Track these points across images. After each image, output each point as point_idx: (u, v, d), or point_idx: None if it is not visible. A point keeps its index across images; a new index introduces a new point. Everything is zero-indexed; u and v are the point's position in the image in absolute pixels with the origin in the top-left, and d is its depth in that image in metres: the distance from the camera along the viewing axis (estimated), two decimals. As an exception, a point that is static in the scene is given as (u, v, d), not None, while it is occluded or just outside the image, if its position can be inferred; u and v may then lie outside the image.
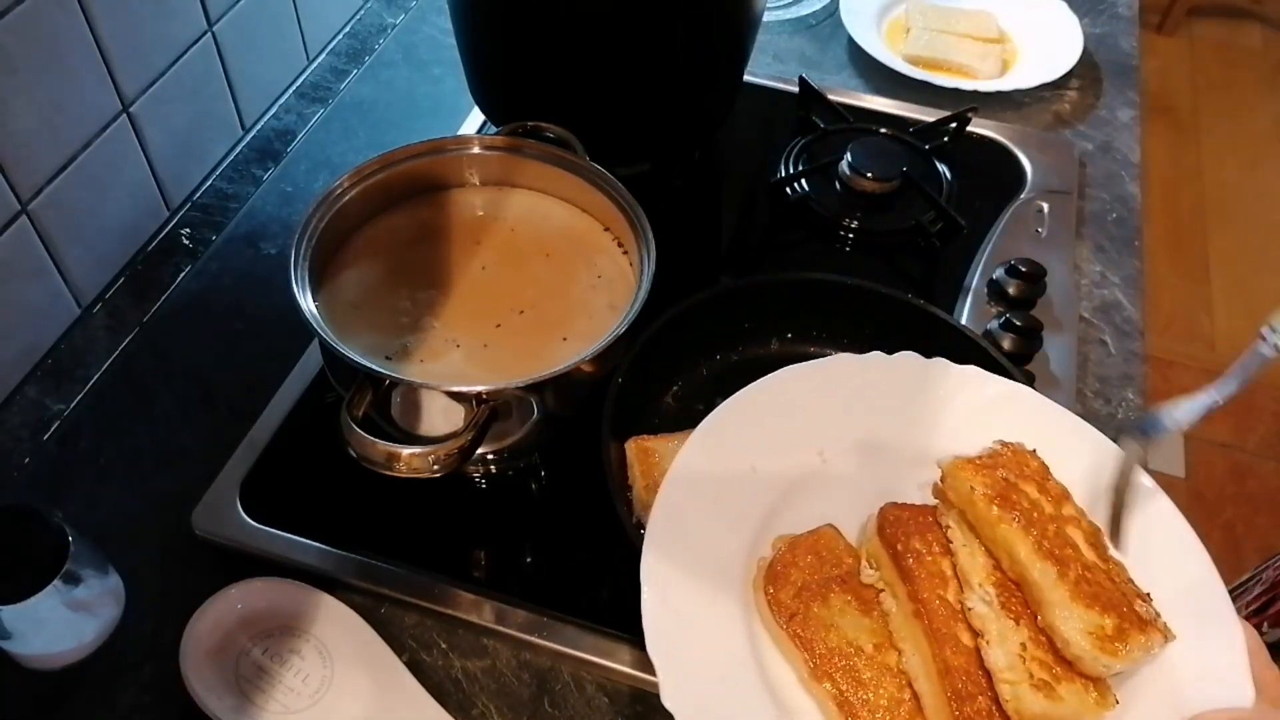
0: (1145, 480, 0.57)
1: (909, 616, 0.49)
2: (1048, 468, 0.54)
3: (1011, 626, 0.47)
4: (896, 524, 0.51)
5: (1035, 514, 0.50)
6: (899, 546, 0.50)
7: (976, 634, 0.47)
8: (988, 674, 0.47)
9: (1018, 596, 0.48)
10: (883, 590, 0.51)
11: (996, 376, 0.61)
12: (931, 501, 0.54)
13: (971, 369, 0.61)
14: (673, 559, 0.51)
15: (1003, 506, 0.49)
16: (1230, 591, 0.88)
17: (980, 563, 0.49)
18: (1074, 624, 0.46)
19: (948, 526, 0.51)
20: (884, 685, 0.48)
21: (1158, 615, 0.48)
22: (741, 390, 0.58)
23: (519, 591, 0.68)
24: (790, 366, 0.60)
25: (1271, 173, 2.51)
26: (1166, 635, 0.48)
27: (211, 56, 0.90)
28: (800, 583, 0.51)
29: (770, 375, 0.59)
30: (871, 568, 0.51)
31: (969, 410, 0.59)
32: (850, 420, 0.59)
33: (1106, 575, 0.49)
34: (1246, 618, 0.81)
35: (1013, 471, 0.52)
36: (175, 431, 0.76)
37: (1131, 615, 0.47)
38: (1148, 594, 0.50)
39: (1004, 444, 0.55)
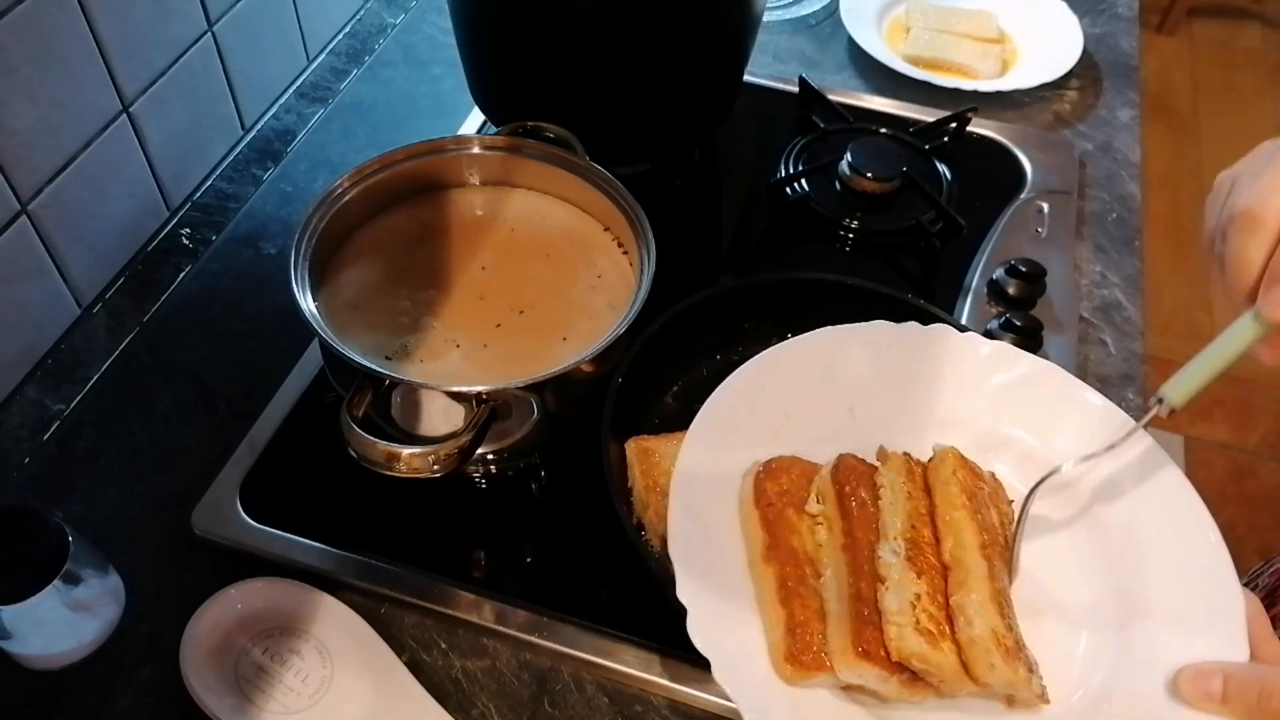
0: (1152, 443, 0.59)
1: (838, 548, 0.53)
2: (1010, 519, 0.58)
3: (912, 578, 0.50)
4: (849, 471, 0.55)
5: (989, 524, 0.54)
6: (846, 489, 0.54)
7: (881, 579, 0.51)
8: None
9: (927, 558, 0.51)
10: (821, 524, 0.55)
11: (1025, 354, 0.64)
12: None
13: (1004, 346, 0.65)
14: (701, 483, 0.56)
15: (970, 499, 0.54)
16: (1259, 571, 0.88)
17: (900, 521, 0.53)
18: (984, 616, 0.49)
19: (881, 485, 0.55)
20: (816, 592, 0.53)
21: (1041, 685, 0.50)
22: (784, 342, 0.63)
23: (519, 591, 0.68)
24: (829, 328, 0.64)
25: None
26: (1042, 698, 0.50)
27: (211, 56, 0.90)
28: (787, 487, 0.56)
29: (810, 333, 0.64)
30: (818, 501, 0.55)
31: (997, 385, 0.63)
32: (882, 382, 0.63)
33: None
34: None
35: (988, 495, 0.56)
36: (175, 431, 0.76)
37: (1024, 656, 0.50)
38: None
39: (993, 476, 0.59)
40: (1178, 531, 0.56)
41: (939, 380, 0.63)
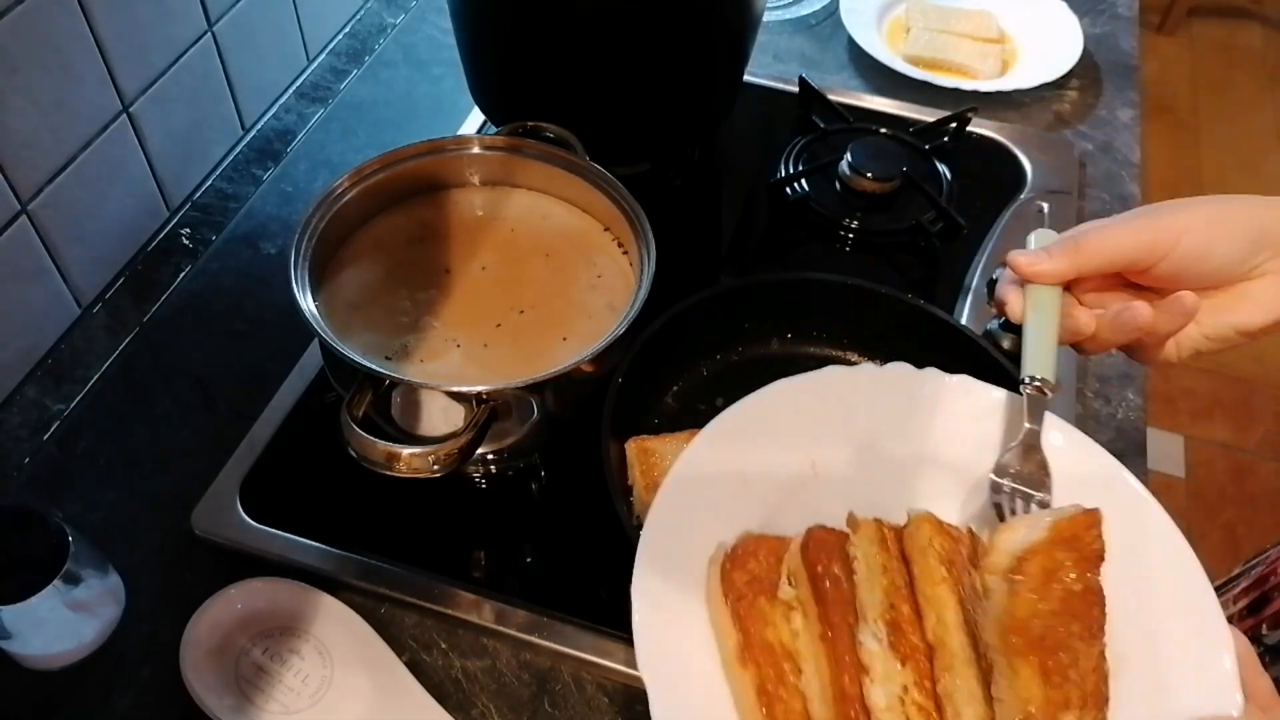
0: (1136, 486, 0.57)
1: (815, 638, 0.49)
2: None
3: (897, 668, 0.47)
4: (820, 546, 0.50)
5: (971, 591, 0.49)
6: (819, 568, 0.50)
7: (864, 669, 0.47)
8: None
9: (909, 639, 0.48)
10: (795, 609, 0.51)
11: (989, 385, 0.60)
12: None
13: (962, 378, 0.61)
14: (663, 569, 0.52)
15: (949, 568, 0.49)
16: (1220, 587, 0.88)
17: (878, 598, 0.49)
18: (973, 705, 0.46)
19: (854, 558, 0.50)
20: (798, 692, 0.49)
21: None
22: (735, 404, 0.58)
23: (519, 591, 0.68)
24: (782, 380, 0.60)
25: (1271, 173, 2.51)
26: None
27: (211, 56, 0.90)
28: (756, 573, 0.51)
29: (762, 389, 0.59)
30: (790, 585, 0.51)
31: (960, 420, 0.59)
32: (842, 431, 0.59)
33: None
34: (1239, 614, 0.81)
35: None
36: (175, 431, 0.76)
37: None
38: None
39: (970, 533, 0.53)
40: (1162, 576, 0.53)
41: (901, 422, 0.59)
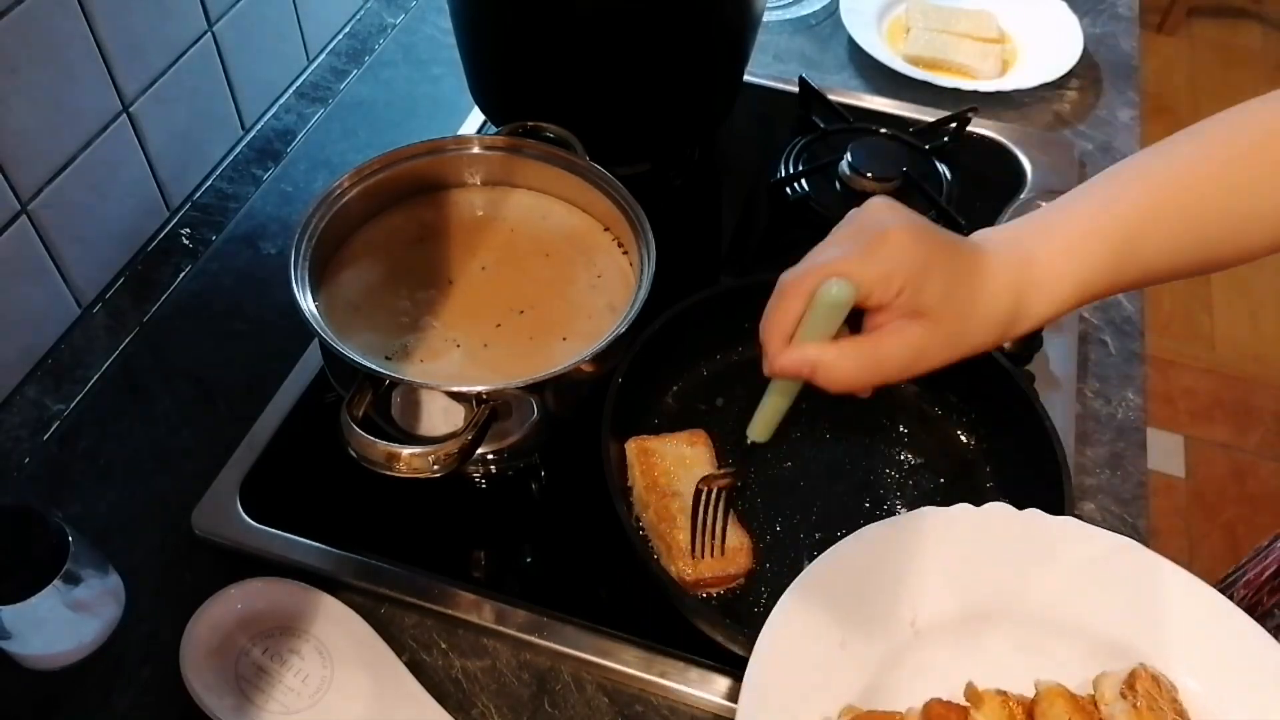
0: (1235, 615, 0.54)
1: None
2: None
3: None
4: None
5: None
6: None
7: None
8: None
9: None
10: None
11: (1098, 529, 0.57)
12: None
13: (1070, 521, 0.57)
14: None
15: None
16: (1229, 577, 0.87)
17: None
18: None
19: None
20: None
21: None
22: (824, 553, 0.55)
23: (519, 591, 0.68)
24: (872, 525, 0.56)
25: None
26: None
27: (211, 56, 0.90)
28: None
29: (852, 535, 0.56)
30: None
31: (1071, 569, 0.55)
32: (943, 583, 0.55)
33: None
34: (1259, 589, 0.80)
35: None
36: (175, 431, 0.76)
37: None
38: None
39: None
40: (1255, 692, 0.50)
41: (1004, 570, 0.55)
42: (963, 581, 0.55)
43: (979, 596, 0.55)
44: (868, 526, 0.56)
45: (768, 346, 0.52)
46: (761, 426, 0.57)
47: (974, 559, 0.55)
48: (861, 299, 0.49)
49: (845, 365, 0.50)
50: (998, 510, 0.57)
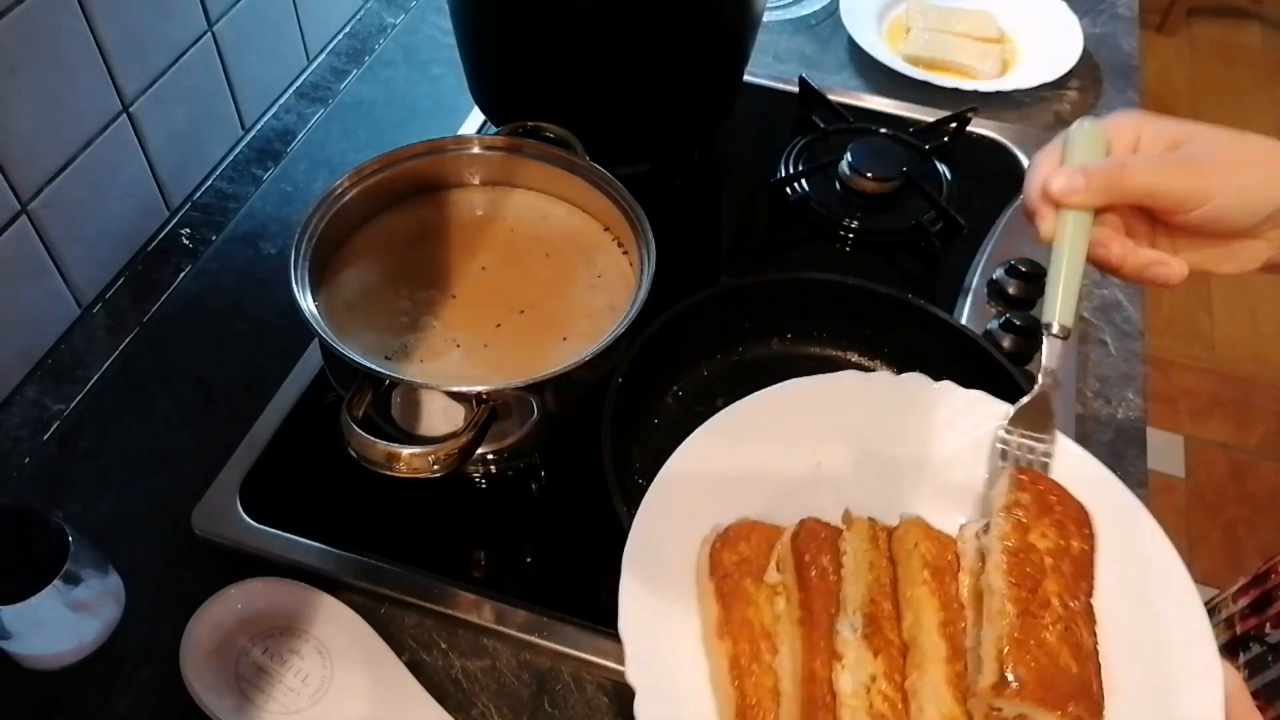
0: (1146, 520, 0.55)
1: (794, 622, 0.50)
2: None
3: (869, 658, 0.47)
4: (812, 537, 0.51)
5: (953, 600, 0.50)
6: (807, 557, 0.50)
7: (836, 656, 0.48)
8: None
9: (885, 634, 0.48)
10: (779, 594, 0.52)
11: (1000, 402, 0.59)
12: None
13: (978, 394, 0.60)
14: (654, 550, 0.53)
15: (933, 574, 0.50)
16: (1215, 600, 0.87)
17: (860, 592, 0.49)
18: (936, 703, 0.46)
19: (844, 553, 0.51)
20: (771, 670, 0.50)
21: None
22: (744, 400, 0.59)
23: (519, 591, 0.68)
24: (796, 379, 0.60)
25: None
26: None
27: (211, 56, 0.90)
28: (746, 555, 0.52)
29: (775, 386, 0.59)
30: (778, 571, 0.52)
31: (967, 432, 0.58)
32: (850, 434, 0.59)
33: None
34: (1241, 614, 0.81)
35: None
36: (175, 431, 0.76)
37: None
38: None
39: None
40: (1156, 603, 0.52)
41: (911, 432, 0.59)
42: (869, 434, 0.59)
43: (882, 448, 0.58)
44: (790, 380, 0.59)
45: (1035, 185, 0.54)
46: (1064, 308, 0.54)
47: (884, 416, 0.59)
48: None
49: (1116, 165, 0.53)
50: (913, 378, 0.61)
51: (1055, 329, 0.54)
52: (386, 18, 1.14)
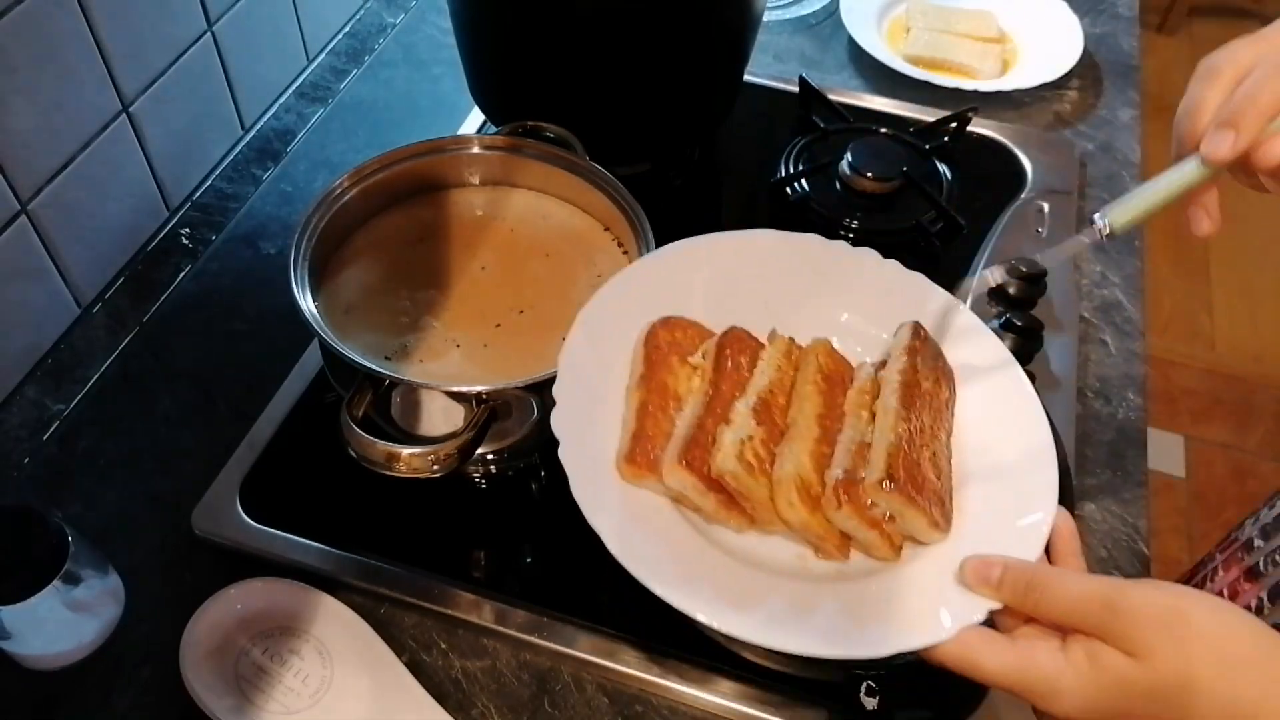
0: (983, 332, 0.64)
1: (702, 393, 0.58)
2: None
3: (752, 424, 0.55)
4: (736, 340, 0.60)
5: (837, 404, 0.59)
6: (728, 351, 0.59)
7: (727, 421, 0.56)
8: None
9: (772, 415, 0.57)
10: (696, 374, 0.60)
11: (889, 263, 0.67)
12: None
13: (867, 251, 0.67)
14: (611, 309, 0.61)
15: (824, 380, 0.59)
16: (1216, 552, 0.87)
17: (763, 384, 0.57)
18: (794, 462, 0.54)
19: (760, 359, 0.60)
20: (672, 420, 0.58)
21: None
22: (714, 234, 0.66)
23: (519, 591, 0.68)
24: (761, 230, 0.67)
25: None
26: (844, 554, 0.55)
27: (211, 56, 0.90)
28: (678, 339, 0.61)
29: (746, 231, 0.67)
30: (702, 357, 0.60)
31: (870, 289, 0.66)
32: (796, 286, 0.66)
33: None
34: (1234, 580, 0.80)
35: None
36: (175, 431, 0.76)
37: (835, 534, 0.54)
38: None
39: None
40: (1013, 430, 0.59)
41: (850, 293, 0.66)
42: (814, 291, 0.66)
43: (820, 303, 0.66)
44: (764, 230, 0.67)
45: (1201, 132, 0.51)
46: (1128, 218, 0.54)
47: (830, 279, 0.66)
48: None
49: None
50: (866, 253, 0.67)
51: (1106, 228, 0.55)
52: (386, 18, 1.14)
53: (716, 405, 0.57)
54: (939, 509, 0.54)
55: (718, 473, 0.53)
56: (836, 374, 0.60)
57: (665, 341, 0.60)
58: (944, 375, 0.61)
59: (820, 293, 0.66)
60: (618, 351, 0.60)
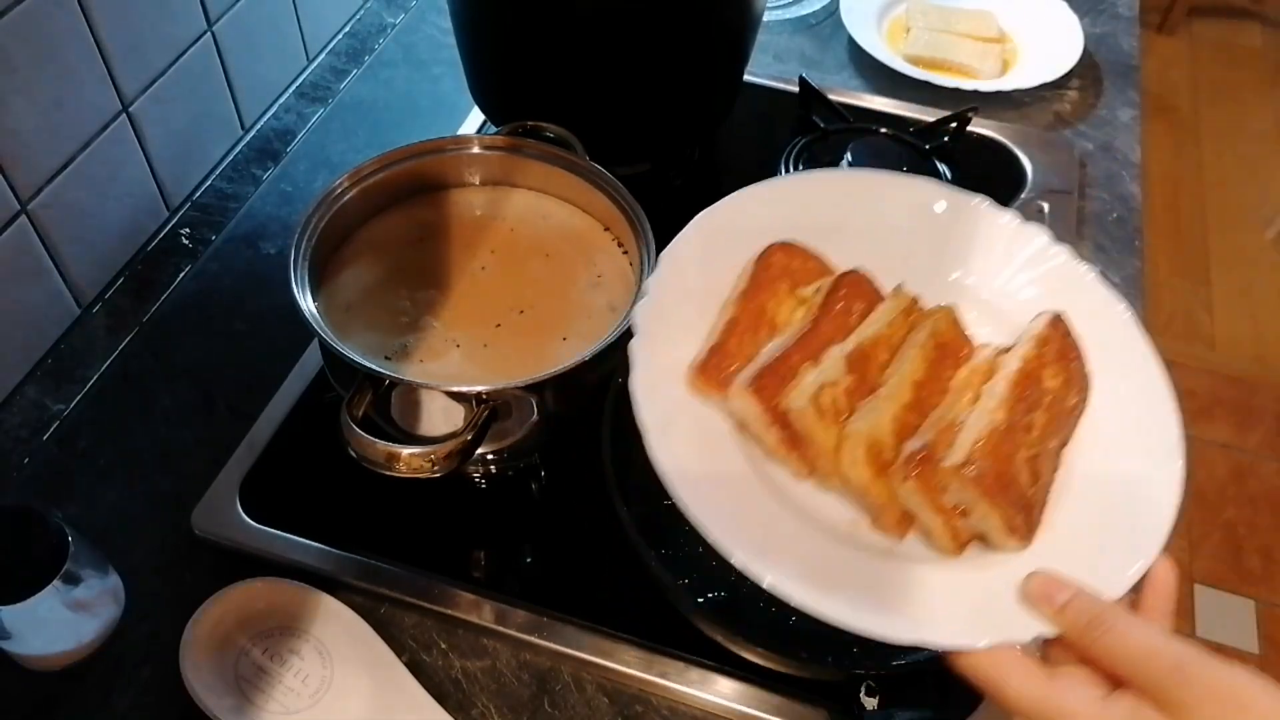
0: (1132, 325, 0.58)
1: (800, 329, 0.55)
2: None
3: (840, 371, 0.52)
4: (854, 285, 0.57)
5: (942, 377, 0.54)
6: (843, 291, 0.56)
7: (815, 362, 0.53)
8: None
9: (866, 369, 0.53)
10: (802, 306, 0.57)
11: (1062, 246, 0.62)
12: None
13: (1040, 233, 0.62)
14: (730, 222, 0.59)
15: (937, 348, 0.54)
16: None
17: (867, 336, 0.54)
18: (872, 421, 0.51)
19: (876, 311, 0.56)
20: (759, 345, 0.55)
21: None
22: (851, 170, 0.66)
23: (519, 591, 0.68)
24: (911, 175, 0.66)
25: (1272, 173, 2.51)
26: (900, 532, 0.51)
27: (211, 56, 0.90)
28: (796, 267, 0.58)
29: (887, 172, 0.65)
30: (815, 292, 0.57)
31: (1029, 273, 0.61)
32: (921, 246, 0.61)
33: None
34: None
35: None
36: (175, 431, 0.76)
37: (896, 509, 0.50)
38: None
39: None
40: (1144, 459, 0.56)
41: (1000, 274, 0.61)
42: (945, 246, 0.61)
43: (952, 262, 0.61)
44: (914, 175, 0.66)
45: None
46: None
47: (957, 243, 0.61)
48: None
49: None
50: (982, 201, 0.62)
51: None
52: (386, 17, 1.14)
53: (811, 342, 0.53)
54: (1022, 515, 0.49)
55: (785, 407, 0.50)
56: (953, 346, 0.56)
57: (780, 265, 0.57)
58: (1076, 379, 0.55)
59: (966, 263, 0.61)
60: (726, 262, 0.57)
